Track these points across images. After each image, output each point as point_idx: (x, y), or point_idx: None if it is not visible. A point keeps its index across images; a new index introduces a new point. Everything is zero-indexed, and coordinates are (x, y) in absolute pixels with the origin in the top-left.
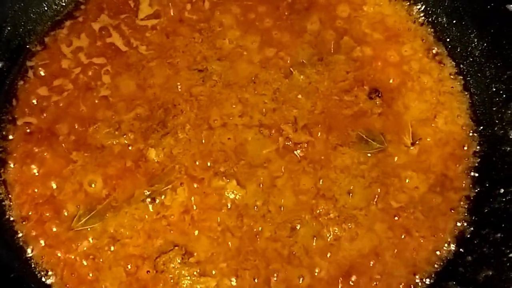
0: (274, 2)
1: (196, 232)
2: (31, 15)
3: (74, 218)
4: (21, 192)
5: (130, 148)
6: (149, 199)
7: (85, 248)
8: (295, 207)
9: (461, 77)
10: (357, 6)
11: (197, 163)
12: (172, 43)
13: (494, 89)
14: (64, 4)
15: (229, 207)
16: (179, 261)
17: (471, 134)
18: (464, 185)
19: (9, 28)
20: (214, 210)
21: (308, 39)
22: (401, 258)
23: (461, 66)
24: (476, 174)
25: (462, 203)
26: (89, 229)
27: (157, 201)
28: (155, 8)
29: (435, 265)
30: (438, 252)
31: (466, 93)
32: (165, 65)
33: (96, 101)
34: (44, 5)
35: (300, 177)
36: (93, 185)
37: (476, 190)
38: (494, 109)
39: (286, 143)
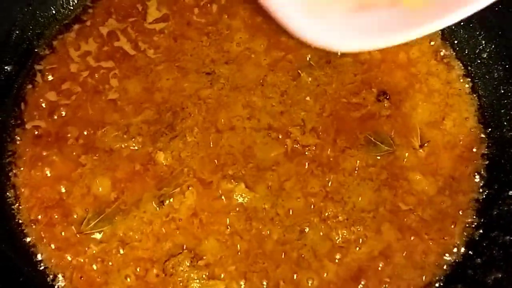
0: None
1: (205, 235)
2: (39, 18)
3: (83, 222)
4: (30, 196)
5: (138, 151)
6: (157, 202)
7: (94, 251)
8: (303, 210)
9: (469, 79)
10: None
11: (206, 166)
12: (180, 46)
13: (502, 91)
14: (72, 8)
15: (237, 210)
16: (188, 264)
17: (479, 136)
18: (472, 187)
19: (17, 32)
20: (222, 213)
21: None
22: (410, 261)
23: (469, 68)
24: (485, 177)
25: (470, 205)
26: (98, 232)
27: (166, 204)
28: (163, 12)
29: (444, 268)
30: (447, 255)
31: (474, 95)
32: (173, 69)
33: (105, 105)
34: (52, 8)
35: (308, 180)
36: (101, 189)
37: (485, 193)
38: (502, 111)
39: (295, 145)
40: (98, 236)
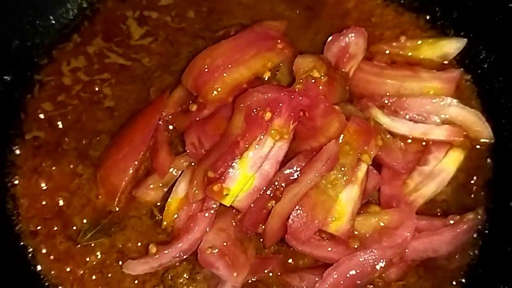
0: None
1: None
2: (39, 28)
3: (80, 233)
4: (29, 207)
5: None
6: (155, 212)
7: (94, 263)
8: None
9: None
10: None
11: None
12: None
13: (502, 102)
14: (72, 17)
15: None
16: (187, 276)
17: (481, 147)
18: (477, 199)
19: (17, 42)
20: None
21: None
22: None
23: (471, 77)
24: (489, 189)
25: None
26: (93, 244)
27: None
28: (146, 29)
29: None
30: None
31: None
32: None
33: (101, 114)
34: (51, 18)
35: None
36: (98, 198)
37: (489, 204)
38: (503, 121)
39: None
40: (97, 247)
